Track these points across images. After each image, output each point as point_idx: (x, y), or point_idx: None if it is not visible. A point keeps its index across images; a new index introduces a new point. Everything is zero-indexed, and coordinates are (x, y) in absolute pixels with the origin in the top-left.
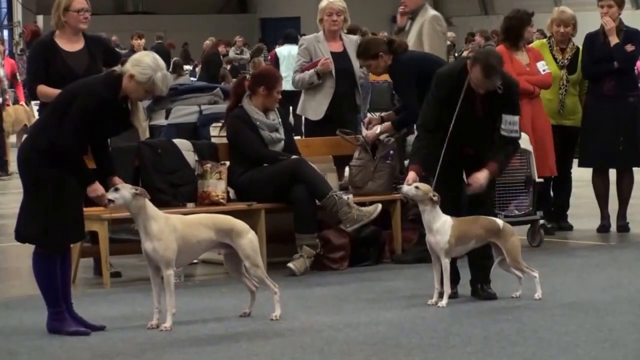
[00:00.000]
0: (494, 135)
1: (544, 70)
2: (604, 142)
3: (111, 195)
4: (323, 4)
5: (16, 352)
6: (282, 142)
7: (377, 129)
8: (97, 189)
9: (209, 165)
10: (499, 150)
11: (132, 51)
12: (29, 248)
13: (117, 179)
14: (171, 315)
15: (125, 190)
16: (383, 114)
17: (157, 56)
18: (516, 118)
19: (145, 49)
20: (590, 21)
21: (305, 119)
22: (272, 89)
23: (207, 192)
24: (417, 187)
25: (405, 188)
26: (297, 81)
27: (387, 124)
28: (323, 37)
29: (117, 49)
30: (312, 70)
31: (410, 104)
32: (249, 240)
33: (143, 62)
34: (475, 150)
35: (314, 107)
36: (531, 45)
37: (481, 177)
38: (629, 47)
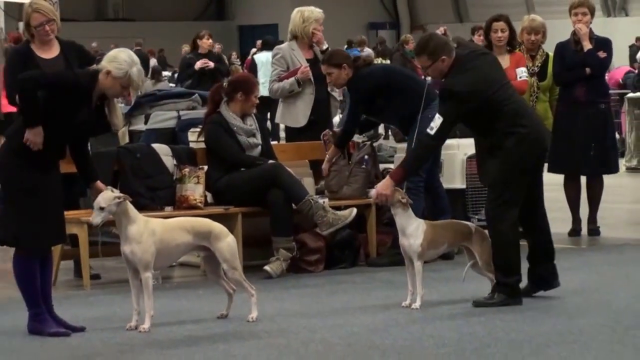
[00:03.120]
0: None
1: (520, 77)
2: (575, 148)
3: (98, 218)
4: (314, 14)
5: None
6: (259, 147)
7: (327, 156)
8: (39, 132)
9: (187, 169)
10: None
11: (198, 53)
12: (10, 251)
13: (99, 184)
14: (149, 317)
15: (109, 206)
16: (336, 128)
17: (131, 52)
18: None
19: (270, 45)
20: (560, 29)
21: (286, 126)
22: (250, 94)
23: (185, 196)
24: None
25: (372, 192)
26: (275, 90)
27: (332, 148)
28: (296, 45)
29: (96, 54)
30: (292, 79)
31: (350, 117)
32: (227, 243)
33: (119, 58)
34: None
35: (295, 115)
36: None
37: (380, 186)
38: (601, 54)
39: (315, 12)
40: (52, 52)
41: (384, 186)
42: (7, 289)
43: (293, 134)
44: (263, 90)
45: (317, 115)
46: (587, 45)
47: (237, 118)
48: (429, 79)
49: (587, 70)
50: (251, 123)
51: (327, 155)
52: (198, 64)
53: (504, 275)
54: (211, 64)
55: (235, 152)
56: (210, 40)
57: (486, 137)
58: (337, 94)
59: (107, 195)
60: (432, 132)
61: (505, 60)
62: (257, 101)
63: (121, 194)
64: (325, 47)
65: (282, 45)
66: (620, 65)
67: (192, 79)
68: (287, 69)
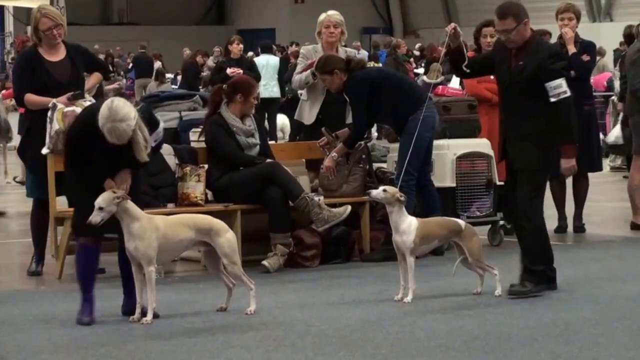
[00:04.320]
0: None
1: None
2: None
3: (98, 217)
4: (322, 17)
5: (5, 343)
6: (258, 146)
7: (334, 154)
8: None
9: (188, 168)
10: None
11: (230, 58)
12: (18, 245)
13: (110, 182)
14: (152, 309)
15: (108, 206)
16: (338, 132)
17: (119, 107)
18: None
19: (206, 55)
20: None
21: (301, 123)
22: (249, 95)
23: (186, 193)
24: (384, 191)
25: (374, 192)
26: (296, 81)
27: (340, 145)
28: (321, 48)
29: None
30: (308, 71)
31: (357, 120)
32: (227, 239)
33: (102, 111)
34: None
35: (305, 113)
36: None
37: (564, 162)
38: (585, 57)
39: (322, 15)
40: (58, 55)
41: (568, 161)
42: (15, 282)
43: (301, 129)
44: (264, 92)
45: (325, 115)
46: (571, 49)
47: (237, 119)
48: (419, 81)
49: (572, 72)
50: (250, 124)
51: (333, 152)
52: (229, 71)
53: (536, 264)
54: (240, 71)
55: (233, 151)
56: (241, 46)
57: (533, 116)
58: None
59: (107, 196)
60: (567, 94)
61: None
62: (256, 102)
63: (120, 194)
64: (357, 53)
65: (308, 47)
66: (605, 69)
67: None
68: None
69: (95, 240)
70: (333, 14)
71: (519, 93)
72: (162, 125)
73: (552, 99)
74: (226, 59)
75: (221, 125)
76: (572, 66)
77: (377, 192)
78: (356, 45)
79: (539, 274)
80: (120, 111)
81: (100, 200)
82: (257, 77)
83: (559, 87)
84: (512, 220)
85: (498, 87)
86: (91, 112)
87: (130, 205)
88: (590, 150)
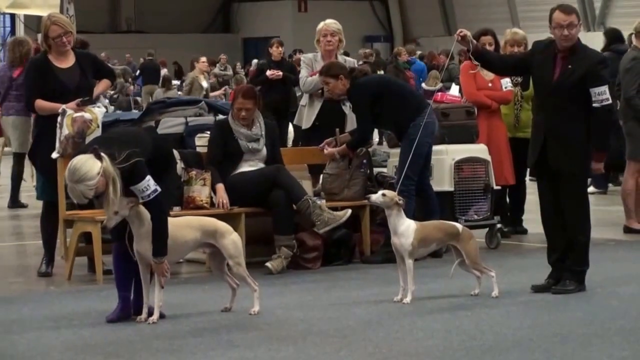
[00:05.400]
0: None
1: (506, 87)
2: None
3: (112, 221)
4: (320, 25)
5: (16, 342)
6: (262, 152)
7: (335, 152)
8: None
9: (194, 172)
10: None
11: (271, 60)
12: (28, 248)
13: None
14: (158, 309)
15: (121, 210)
16: (340, 135)
17: (77, 167)
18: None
19: (213, 63)
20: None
21: (298, 127)
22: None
23: (192, 196)
24: (383, 195)
25: (373, 197)
26: (308, 84)
27: (343, 146)
28: (320, 56)
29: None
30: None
31: (362, 125)
32: (232, 241)
33: (68, 169)
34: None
35: (303, 117)
36: None
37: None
38: None
39: (320, 24)
40: (68, 62)
41: (597, 164)
42: (25, 283)
43: (299, 133)
44: None
45: (322, 122)
46: None
47: (240, 123)
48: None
49: None
50: (256, 129)
51: (337, 150)
52: (268, 73)
53: (581, 265)
54: (280, 74)
55: (209, 161)
56: (281, 49)
57: (577, 120)
58: (347, 107)
59: (120, 201)
60: (609, 101)
61: (489, 72)
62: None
63: (132, 199)
64: (355, 61)
65: (308, 55)
66: None
67: (263, 85)
68: (312, 70)
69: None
70: (330, 23)
71: (566, 96)
72: (148, 182)
73: (595, 104)
74: (266, 61)
75: (222, 127)
76: None
77: (377, 197)
78: (368, 52)
79: (581, 274)
80: (78, 172)
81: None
82: (297, 81)
83: (603, 94)
84: (546, 222)
85: (537, 89)
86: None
87: (141, 209)
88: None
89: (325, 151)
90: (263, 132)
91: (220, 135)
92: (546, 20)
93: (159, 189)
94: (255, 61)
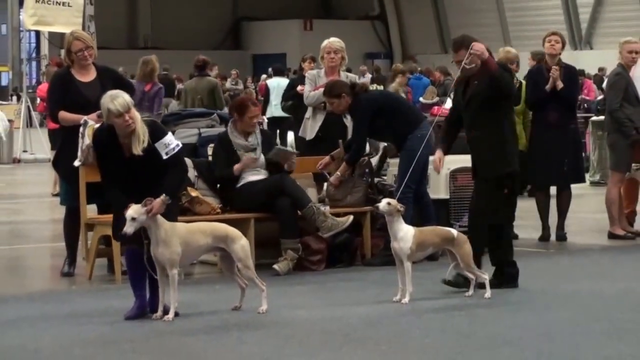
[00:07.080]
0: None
1: None
2: (551, 164)
3: (131, 227)
4: (324, 43)
5: (39, 338)
6: (260, 160)
7: (338, 173)
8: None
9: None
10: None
11: (302, 76)
12: (49, 249)
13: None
14: (174, 308)
15: (140, 216)
16: (333, 152)
17: (119, 91)
18: None
19: (224, 78)
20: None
21: (302, 138)
22: (242, 114)
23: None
24: (389, 204)
25: (381, 206)
26: (311, 97)
27: (344, 165)
28: (323, 73)
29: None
30: (321, 90)
31: (358, 138)
32: (241, 245)
33: (104, 97)
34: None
35: (307, 129)
36: None
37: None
38: (559, 84)
39: (325, 42)
40: (89, 76)
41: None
42: (47, 283)
43: (303, 144)
44: (275, 111)
45: (325, 133)
46: (559, 85)
47: (239, 135)
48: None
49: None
50: (253, 140)
51: (338, 172)
52: (299, 89)
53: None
54: None
55: (216, 169)
56: (313, 64)
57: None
58: (348, 120)
59: (137, 208)
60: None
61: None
62: (256, 121)
63: (149, 206)
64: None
65: (312, 72)
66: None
67: (293, 100)
68: (315, 85)
69: (138, 245)
70: (334, 41)
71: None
72: (170, 138)
73: None
74: (298, 77)
75: (222, 140)
76: (564, 98)
77: (383, 205)
78: (362, 69)
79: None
80: (117, 92)
81: (132, 212)
82: None
83: None
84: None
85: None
86: (101, 127)
87: (157, 215)
88: (577, 164)
89: (332, 180)
90: (259, 141)
91: (222, 148)
92: (536, 39)
93: (181, 144)
94: (264, 76)
